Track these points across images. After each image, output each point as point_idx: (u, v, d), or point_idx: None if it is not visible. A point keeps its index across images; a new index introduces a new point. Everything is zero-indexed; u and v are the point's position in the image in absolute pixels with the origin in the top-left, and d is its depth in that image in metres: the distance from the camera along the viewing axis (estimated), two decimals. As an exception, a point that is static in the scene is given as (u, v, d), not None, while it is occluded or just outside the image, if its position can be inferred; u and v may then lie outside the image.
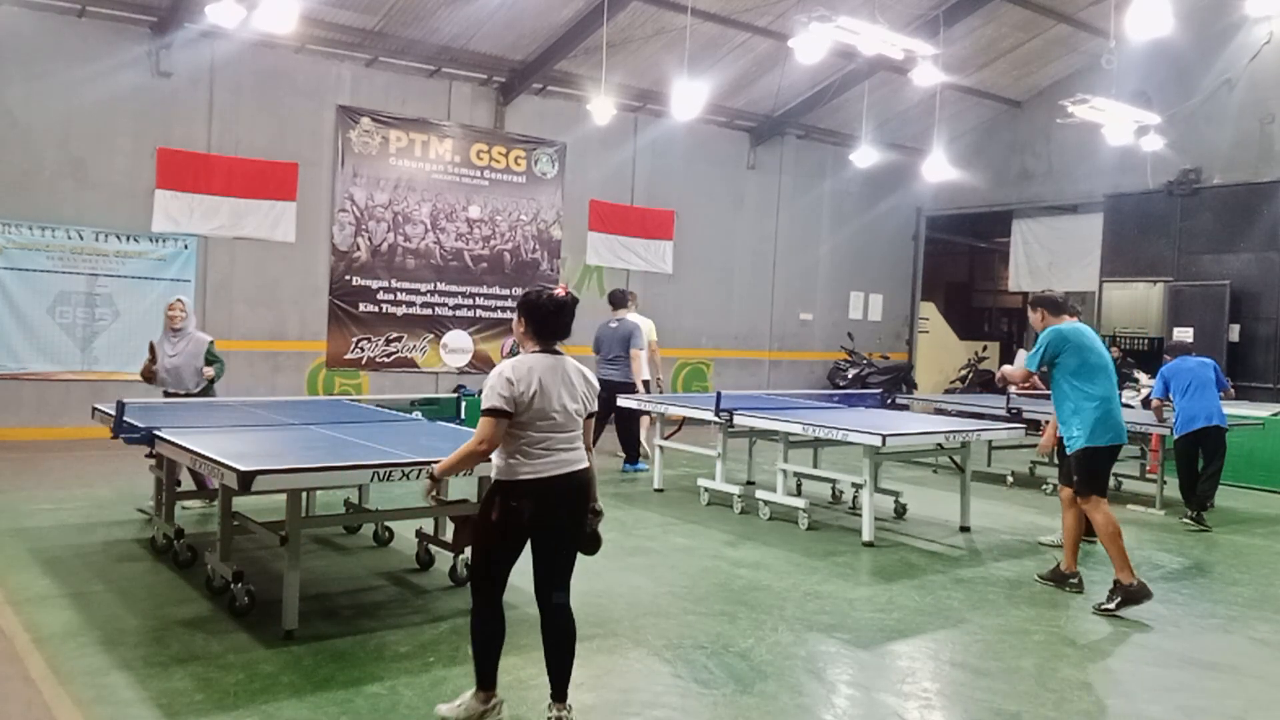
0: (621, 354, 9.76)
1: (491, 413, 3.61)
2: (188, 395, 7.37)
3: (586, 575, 5.95)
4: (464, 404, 7.32)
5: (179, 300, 7.63)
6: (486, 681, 3.76)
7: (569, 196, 13.86)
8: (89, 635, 4.56)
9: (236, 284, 11.34)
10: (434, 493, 3.98)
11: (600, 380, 10.19)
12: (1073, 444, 5.84)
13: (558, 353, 3.80)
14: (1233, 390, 9.76)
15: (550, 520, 3.69)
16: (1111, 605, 5.59)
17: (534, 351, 3.77)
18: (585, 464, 3.79)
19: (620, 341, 9.78)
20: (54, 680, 3.99)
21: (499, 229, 13.29)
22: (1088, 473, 5.81)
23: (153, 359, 7.37)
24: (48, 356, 10.43)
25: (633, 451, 9.91)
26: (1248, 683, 4.63)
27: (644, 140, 14.43)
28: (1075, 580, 6.07)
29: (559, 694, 3.74)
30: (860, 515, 7.22)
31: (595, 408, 3.86)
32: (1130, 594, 5.58)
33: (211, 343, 7.57)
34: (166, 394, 7.39)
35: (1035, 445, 10.53)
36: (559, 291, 3.80)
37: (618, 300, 10.05)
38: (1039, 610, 5.61)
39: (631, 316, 9.99)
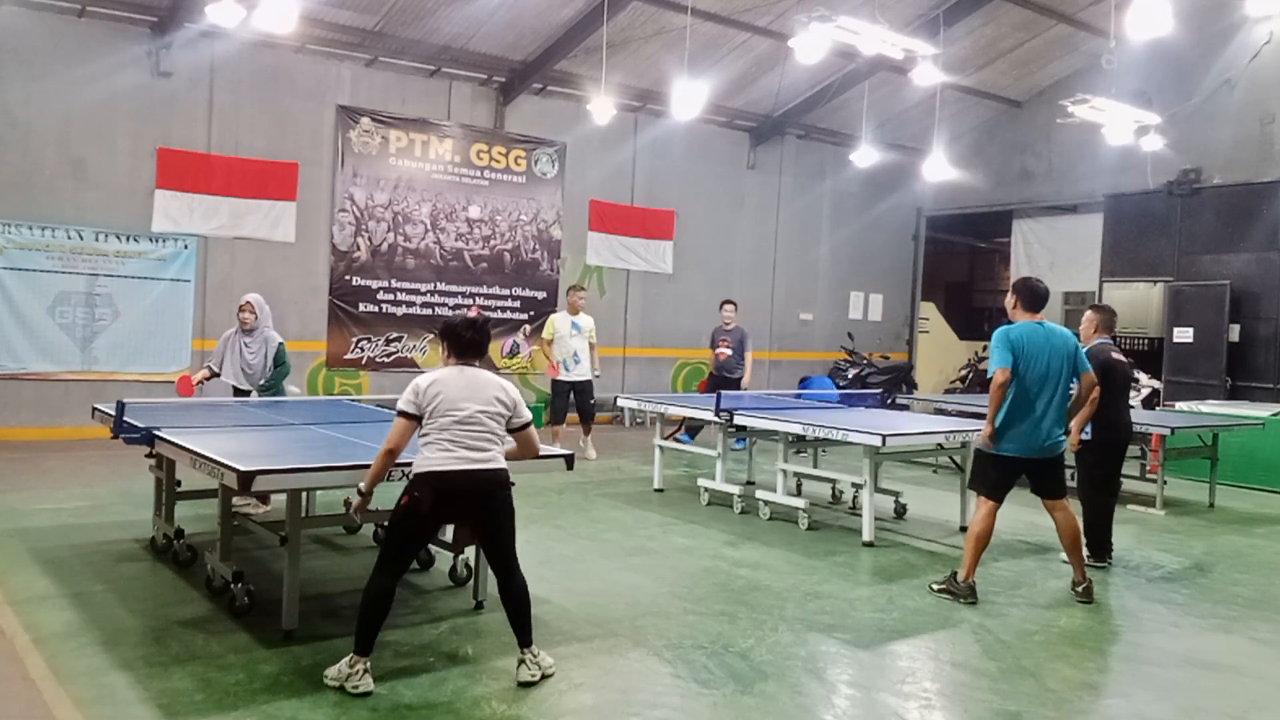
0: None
1: (399, 414, 4.14)
2: (249, 394, 7.42)
3: (586, 575, 5.99)
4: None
5: (248, 301, 7.43)
6: (364, 648, 4.04)
7: (569, 196, 13.86)
8: (89, 635, 4.55)
9: (236, 284, 11.30)
10: (364, 507, 4.41)
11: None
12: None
13: (471, 365, 4.30)
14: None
15: (448, 512, 4.18)
16: (938, 587, 5.82)
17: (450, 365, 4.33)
18: (492, 464, 4.15)
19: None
20: (54, 680, 3.99)
21: (499, 229, 13.29)
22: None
23: (209, 373, 7.45)
24: (48, 356, 10.43)
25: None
26: (1248, 683, 4.63)
27: (644, 140, 14.43)
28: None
29: (525, 641, 4.19)
30: (860, 515, 7.23)
31: (516, 416, 4.30)
32: (956, 590, 5.71)
33: (281, 345, 7.53)
34: (236, 391, 7.45)
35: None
36: (472, 313, 4.08)
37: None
38: (1039, 610, 5.61)
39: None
